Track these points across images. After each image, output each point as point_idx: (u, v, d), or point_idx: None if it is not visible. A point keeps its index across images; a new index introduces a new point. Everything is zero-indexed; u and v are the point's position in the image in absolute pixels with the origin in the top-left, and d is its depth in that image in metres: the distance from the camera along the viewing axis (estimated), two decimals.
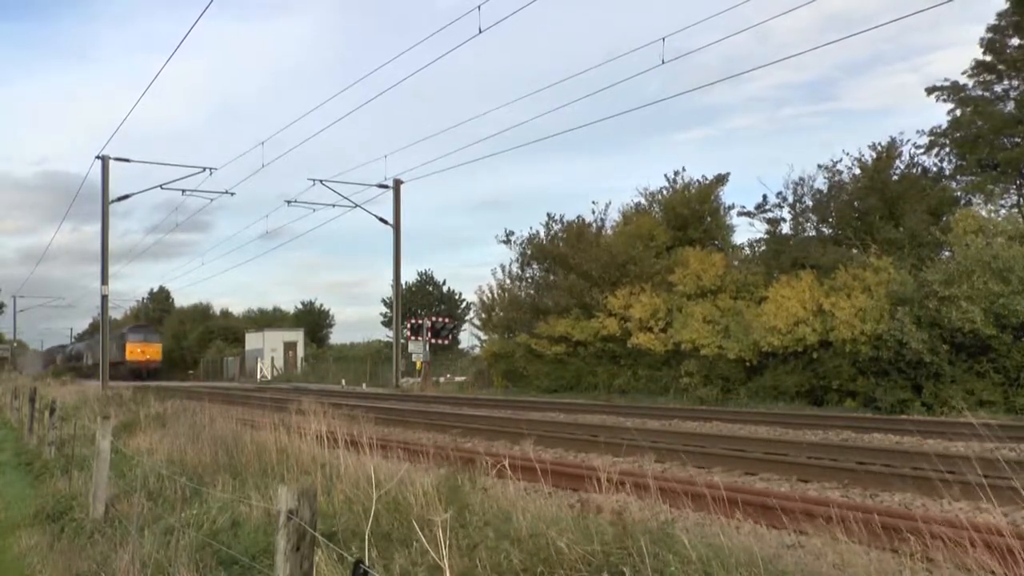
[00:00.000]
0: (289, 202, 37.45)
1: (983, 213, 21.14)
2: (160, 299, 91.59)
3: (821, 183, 25.77)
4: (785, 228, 26.97)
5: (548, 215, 33.22)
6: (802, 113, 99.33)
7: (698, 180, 31.02)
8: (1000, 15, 25.70)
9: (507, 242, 34.28)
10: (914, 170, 25.38)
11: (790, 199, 26.24)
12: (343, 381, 43.90)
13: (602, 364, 28.08)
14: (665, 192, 31.64)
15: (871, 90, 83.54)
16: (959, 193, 24.89)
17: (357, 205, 37.77)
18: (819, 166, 25.91)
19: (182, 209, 57.21)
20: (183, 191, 36.26)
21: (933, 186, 24.50)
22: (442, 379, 40.07)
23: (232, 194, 37.32)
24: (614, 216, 32.49)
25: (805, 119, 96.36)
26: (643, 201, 32.21)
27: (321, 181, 36.17)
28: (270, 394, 28.56)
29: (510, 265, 34.62)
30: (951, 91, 26.51)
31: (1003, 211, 23.21)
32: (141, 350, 64.70)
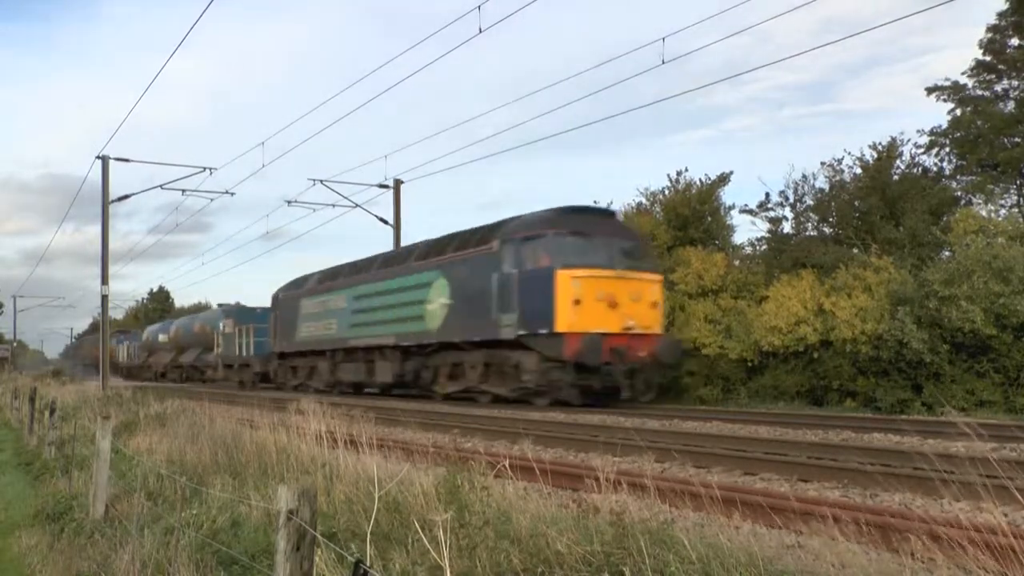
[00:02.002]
0: (289, 202, 37.05)
1: (983, 213, 21.13)
2: (160, 299, 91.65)
3: (822, 182, 25.85)
4: (786, 227, 27.03)
5: None
6: (802, 114, 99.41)
7: (700, 180, 31.02)
8: (1000, 15, 25.72)
9: None
10: (914, 170, 25.40)
11: (791, 198, 26.30)
12: None
13: None
14: (667, 192, 31.63)
15: (870, 91, 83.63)
16: (959, 193, 24.90)
17: (357, 205, 37.65)
18: (822, 164, 26.00)
19: (183, 210, 54.40)
20: (183, 191, 36.07)
21: (933, 186, 24.50)
22: None
23: (232, 194, 36.97)
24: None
25: (806, 120, 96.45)
26: (644, 201, 32.20)
27: (321, 181, 35.97)
28: (270, 394, 28.55)
29: None
30: (951, 91, 26.52)
31: (1003, 211, 23.21)
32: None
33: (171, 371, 46.76)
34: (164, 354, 47.85)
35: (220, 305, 44.18)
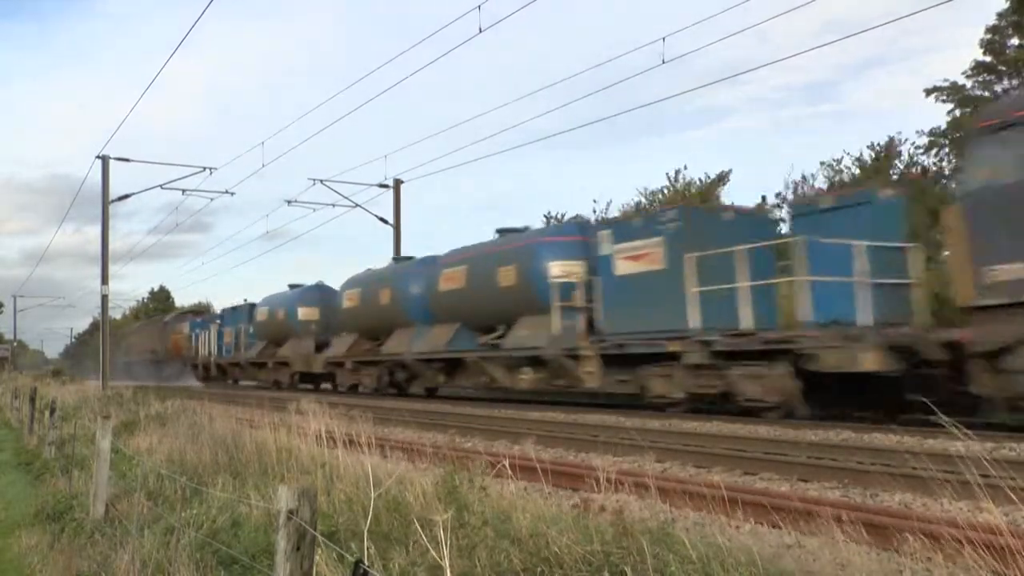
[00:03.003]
0: (289, 202, 37.10)
1: None
2: (161, 298, 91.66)
3: (821, 182, 25.88)
4: (785, 228, 26.89)
5: (545, 215, 33.11)
6: (803, 115, 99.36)
7: (699, 179, 31.05)
8: (1000, 15, 25.73)
9: None
10: (914, 170, 25.45)
11: (790, 198, 26.32)
12: None
13: None
14: (666, 191, 31.67)
15: (870, 91, 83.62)
16: None
17: (357, 205, 37.64)
18: (821, 163, 26.06)
19: (183, 210, 53.41)
20: (183, 191, 36.08)
21: (933, 186, 24.52)
22: None
23: (232, 194, 36.92)
24: (614, 215, 32.47)
25: (806, 121, 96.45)
26: (643, 200, 32.24)
27: (321, 181, 35.98)
28: (269, 394, 28.55)
29: None
30: (951, 91, 26.53)
31: None
32: None
33: (354, 371, 25.43)
34: (307, 341, 28.01)
35: (524, 231, 21.22)
